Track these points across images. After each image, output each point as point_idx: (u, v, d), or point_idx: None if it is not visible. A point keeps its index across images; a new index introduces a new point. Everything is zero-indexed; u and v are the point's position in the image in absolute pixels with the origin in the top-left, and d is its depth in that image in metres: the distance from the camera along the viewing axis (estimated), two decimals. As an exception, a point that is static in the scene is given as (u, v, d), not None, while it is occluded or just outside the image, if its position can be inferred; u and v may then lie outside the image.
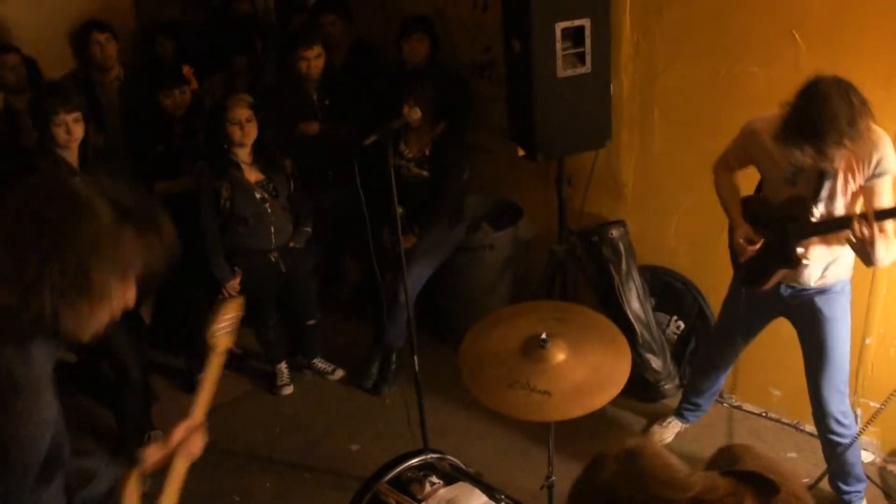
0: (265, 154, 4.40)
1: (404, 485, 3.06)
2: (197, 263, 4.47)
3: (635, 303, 4.46)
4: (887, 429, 3.97)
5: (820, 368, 3.50)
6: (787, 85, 3.66)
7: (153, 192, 4.53)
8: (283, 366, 4.96)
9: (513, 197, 5.23)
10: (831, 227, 3.20)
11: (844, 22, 3.51)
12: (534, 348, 2.96)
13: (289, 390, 4.93)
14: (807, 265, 3.32)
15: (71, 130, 3.82)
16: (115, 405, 4.21)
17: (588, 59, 3.95)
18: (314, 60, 4.85)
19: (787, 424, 4.33)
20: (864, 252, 3.11)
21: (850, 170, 3.14)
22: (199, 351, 4.97)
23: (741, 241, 3.46)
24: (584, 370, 2.92)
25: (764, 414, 4.42)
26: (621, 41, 4.25)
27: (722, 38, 3.91)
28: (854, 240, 3.09)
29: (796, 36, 3.64)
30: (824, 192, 3.17)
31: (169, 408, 4.71)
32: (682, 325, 4.58)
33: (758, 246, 3.42)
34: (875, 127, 3.05)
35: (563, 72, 3.94)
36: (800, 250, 3.25)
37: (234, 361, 5.22)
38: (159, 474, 2.26)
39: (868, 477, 3.86)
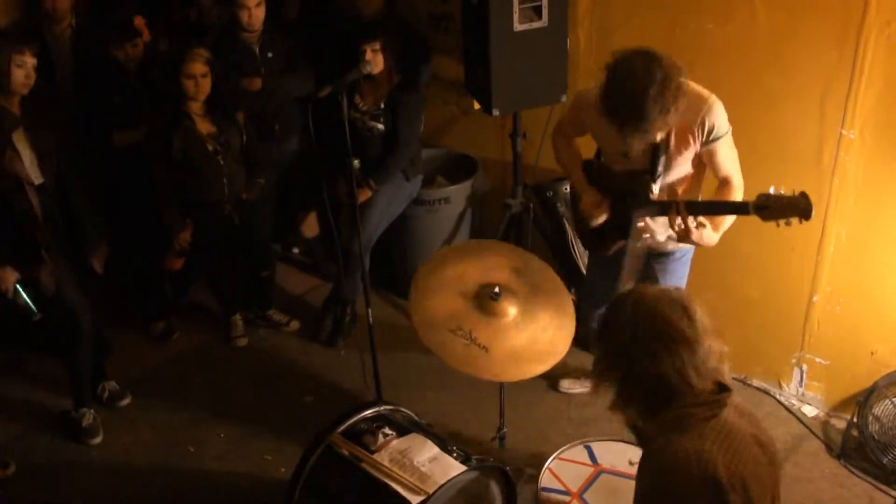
0: (217, 107, 4.36)
1: (357, 436, 3.10)
2: (148, 215, 4.44)
3: (588, 257, 4.51)
4: (831, 383, 4.08)
5: None
6: (742, 41, 3.72)
7: (111, 142, 4.47)
8: (237, 317, 4.96)
9: (467, 150, 5.22)
10: (659, 211, 3.14)
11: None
12: (485, 299, 3.01)
13: (244, 342, 4.92)
14: (647, 237, 3.29)
15: (30, 75, 3.65)
16: (68, 357, 4.15)
17: (545, 12, 3.92)
18: (255, 10, 4.63)
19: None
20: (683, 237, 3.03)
21: (683, 138, 3.08)
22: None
23: (589, 207, 3.38)
24: (526, 335, 2.98)
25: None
26: (578, -5, 4.24)
27: (678, -6, 3.92)
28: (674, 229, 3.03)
29: (751, -6, 3.66)
30: (660, 168, 3.13)
31: (122, 359, 4.69)
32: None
33: (605, 210, 3.33)
34: (702, 91, 3.02)
35: (519, 25, 3.90)
36: (639, 224, 3.19)
37: (189, 313, 5.20)
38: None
39: (812, 431, 4.00)
